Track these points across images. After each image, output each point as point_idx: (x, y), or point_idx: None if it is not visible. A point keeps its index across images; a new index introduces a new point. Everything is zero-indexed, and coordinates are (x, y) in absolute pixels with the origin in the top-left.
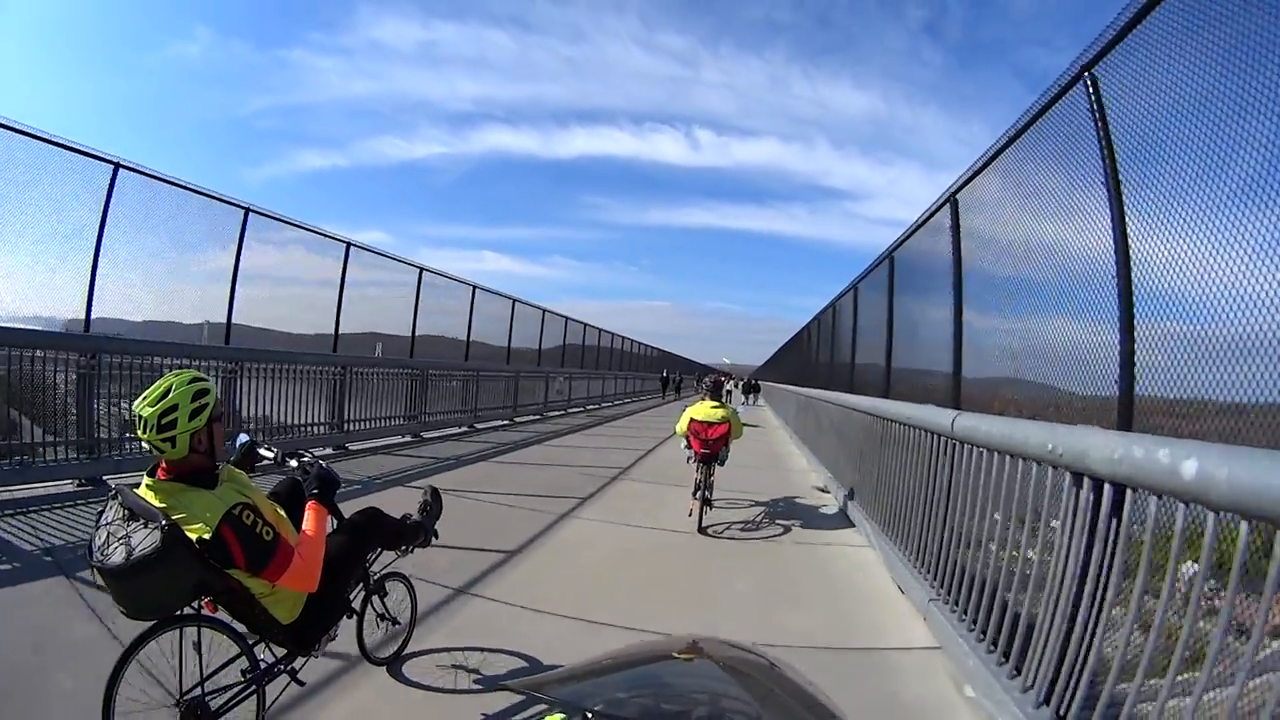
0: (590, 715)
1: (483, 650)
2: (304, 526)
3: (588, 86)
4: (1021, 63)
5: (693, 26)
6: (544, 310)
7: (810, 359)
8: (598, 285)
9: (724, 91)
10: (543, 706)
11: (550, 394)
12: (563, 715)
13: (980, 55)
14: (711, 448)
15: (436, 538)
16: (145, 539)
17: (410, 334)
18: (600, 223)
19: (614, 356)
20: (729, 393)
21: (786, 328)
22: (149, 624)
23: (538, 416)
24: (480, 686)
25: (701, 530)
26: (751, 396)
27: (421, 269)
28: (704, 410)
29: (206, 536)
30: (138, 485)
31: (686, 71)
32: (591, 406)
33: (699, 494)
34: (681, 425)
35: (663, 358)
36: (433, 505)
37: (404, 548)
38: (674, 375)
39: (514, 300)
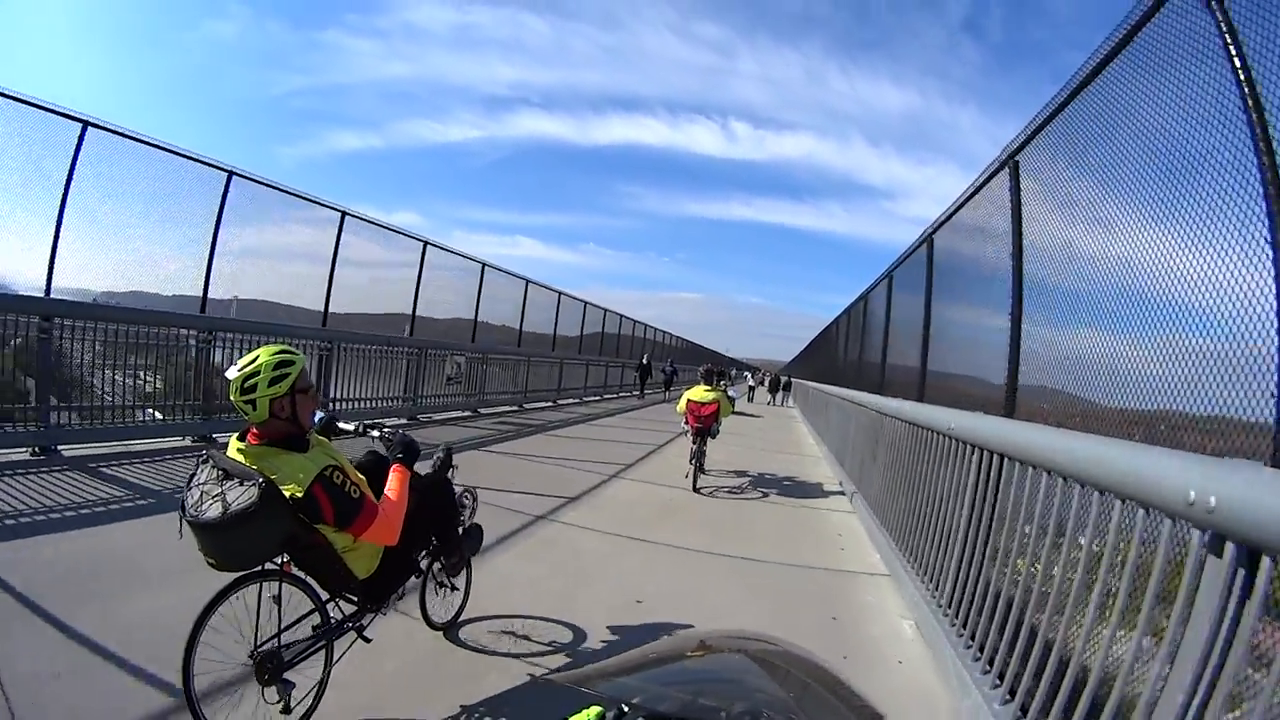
0: (627, 709)
1: (532, 618)
2: (388, 486)
3: (624, 74)
4: (1061, 67)
5: (729, 17)
6: (585, 302)
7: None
8: (630, 274)
9: (760, 84)
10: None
11: (588, 380)
12: (600, 709)
13: (1019, 56)
14: (704, 422)
15: (470, 560)
16: (242, 494)
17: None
18: (634, 211)
19: (646, 346)
20: (752, 389)
21: (821, 324)
22: (233, 577)
23: (578, 400)
24: (526, 652)
25: (695, 490)
26: (780, 395)
27: (420, 248)
28: (699, 393)
29: (300, 494)
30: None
31: (723, 62)
32: (623, 394)
33: (694, 461)
34: (681, 405)
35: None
36: (468, 501)
37: (444, 563)
38: (665, 365)
39: (560, 293)
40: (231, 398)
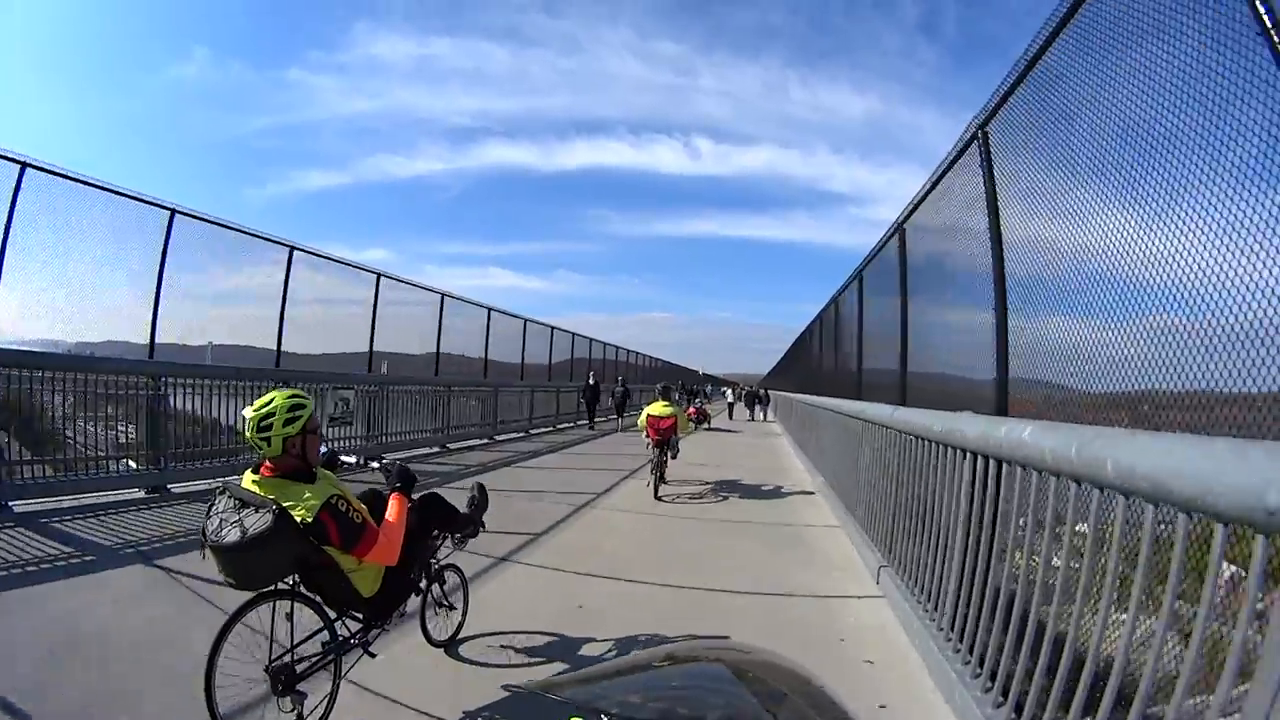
0: (606, 717)
1: (527, 632)
2: (388, 512)
3: (585, 98)
4: (1017, 56)
5: (687, 35)
6: (552, 328)
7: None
8: (602, 298)
9: (721, 99)
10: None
11: (559, 407)
12: (579, 718)
13: (975, 52)
14: (664, 434)
15: (484, 529)
16: (258, 520)
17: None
18: (603, 235)
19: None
20: (731, 405)
21: (793, 336)
22: (249, 596)
23: (551, 428)
24: (526, 661)
25: (657, 498)
26: (758, 409)
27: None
28: (657, 408)
29: (309, 520)
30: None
31: (683, 80)
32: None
33: (655, 471)
34: (642, 420)
35: (663, 369)
36: (480, 500)
37: (458, 538)
38: (615, 387)
39: (525, 320)
40: (247, 435)
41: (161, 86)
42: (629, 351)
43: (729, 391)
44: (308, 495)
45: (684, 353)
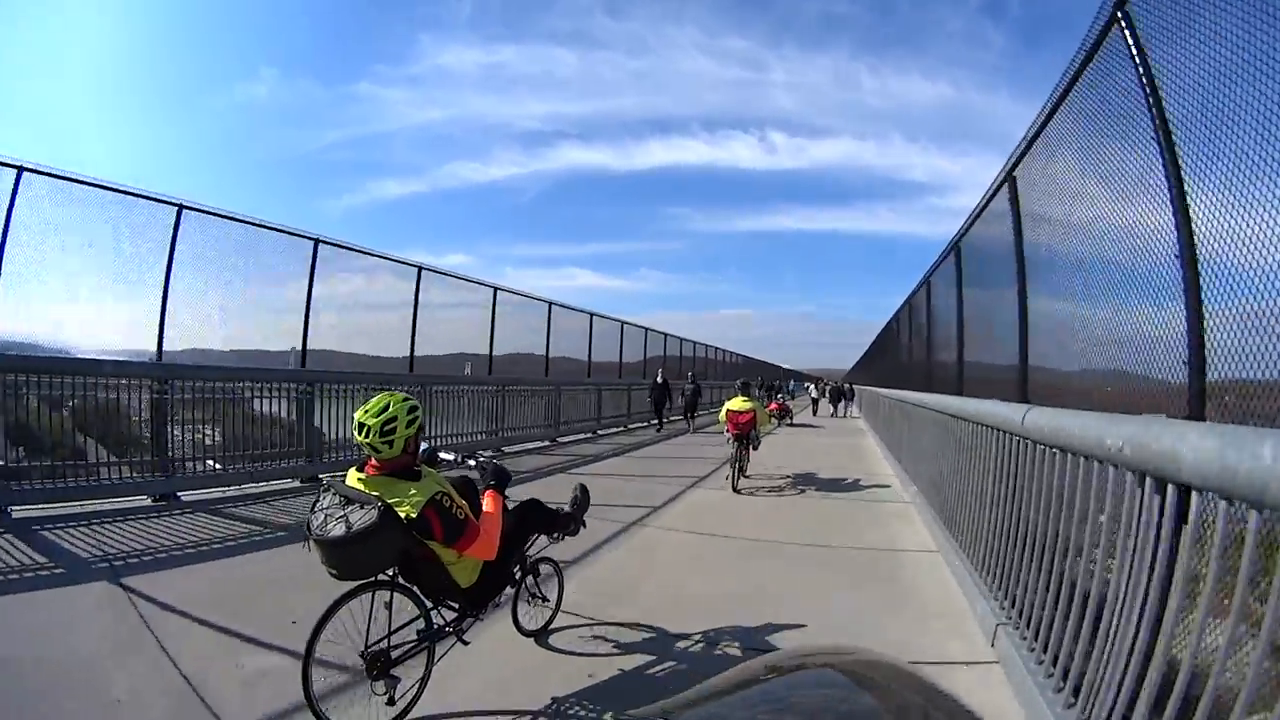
0: None
1: (619, 624)
2: (484, 508)
3: (657, 97)
4: (1085, 31)
5: (752, 30)
6: (623, 323)
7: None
8: (684, 295)
9: (792, 91)
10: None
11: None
12: None
13: (1041, 29)
14: (743, 429)
15: (585, 527)
16: (364, 516)
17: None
18: (684, 233)
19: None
20: (815, 400)
21: (876, 330)
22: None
23: (621, 428)
24: (610, 652)
25: (735, 490)
26: (842, 405)
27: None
28: (737, 403)
29: (414, 515)
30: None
31: (753, 75)
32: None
33: (735, 465)
34: (722, 415)
35: (742, 365)
36: (582, 500)
37: (556, 535)
38: (685, 384)
39: (591, 314)
40: (366, 438)
41: (230, 107)
42: (707, 347)
43: (812, 387)
44: (413, 492)
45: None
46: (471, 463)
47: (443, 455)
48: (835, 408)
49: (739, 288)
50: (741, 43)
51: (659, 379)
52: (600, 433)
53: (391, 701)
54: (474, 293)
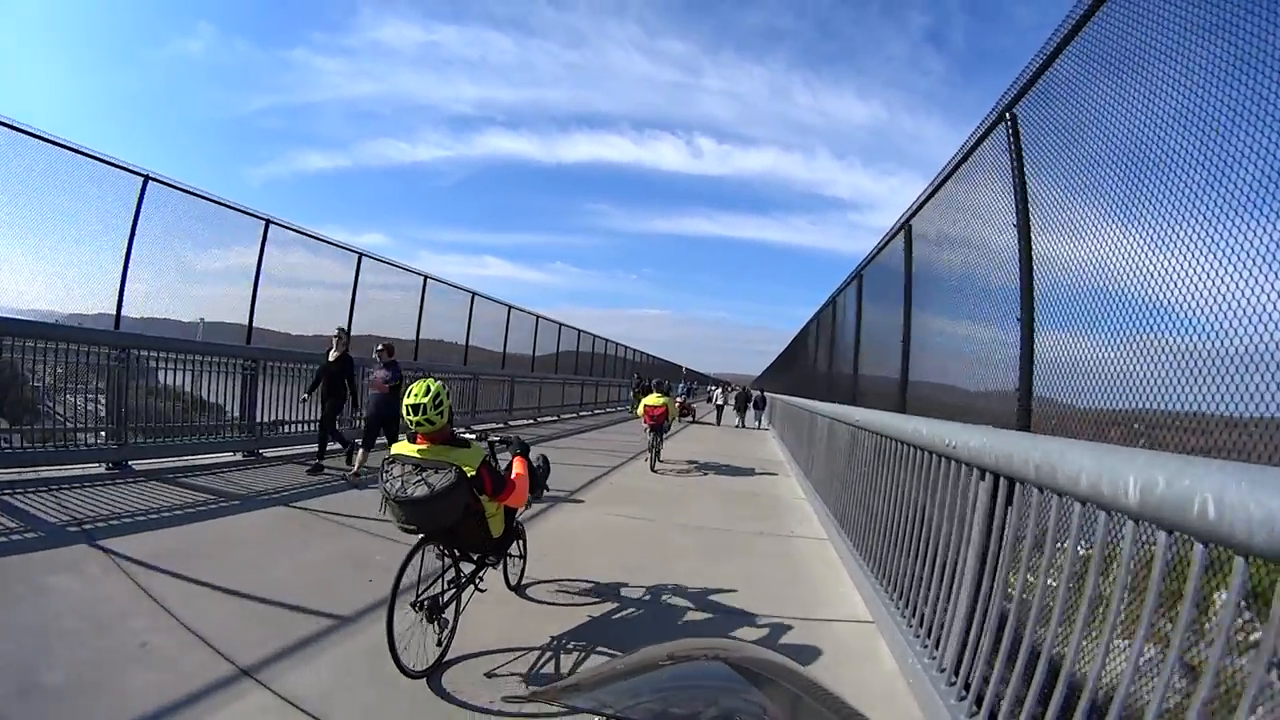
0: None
1: (575, 580)
2: (515, 469)
3: (589, 92)
4: (1019, 71)
5: (694, 34)
6: (538, 317)
7: None
8: (598, 292)
9: (725, 99)
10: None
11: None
12: None
13: (983, 64)
14: (657, 420)
15: (548, 490)
16: (443, 477)
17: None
18: (601, 229)
19: (612, 363)
20: (720, 408)
21: (788, 339)
22: (415, 542)
23: (555, 418)
24: (586, 600)
25: (653, 470)
26: (754, 413)
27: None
28: (652, 399)
29: (472, 474)
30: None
31: (688, 78)
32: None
33: (651, 451)
34: (639, 409)
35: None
36: (544, 469)
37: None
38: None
39: (510, 307)
40: (422, 415)
41: (166, 61)
42: (619, 345)
43: (717, 392)
44: (470, 456)
45: (676, 350)
46: (497, 439)
47: (464, 434)
48: (741, 417)
49: (654, 288)
50: (681, 45)
51: (641, 380)
52: (511, 424)
53: (439, 642)
54: (403, 277)
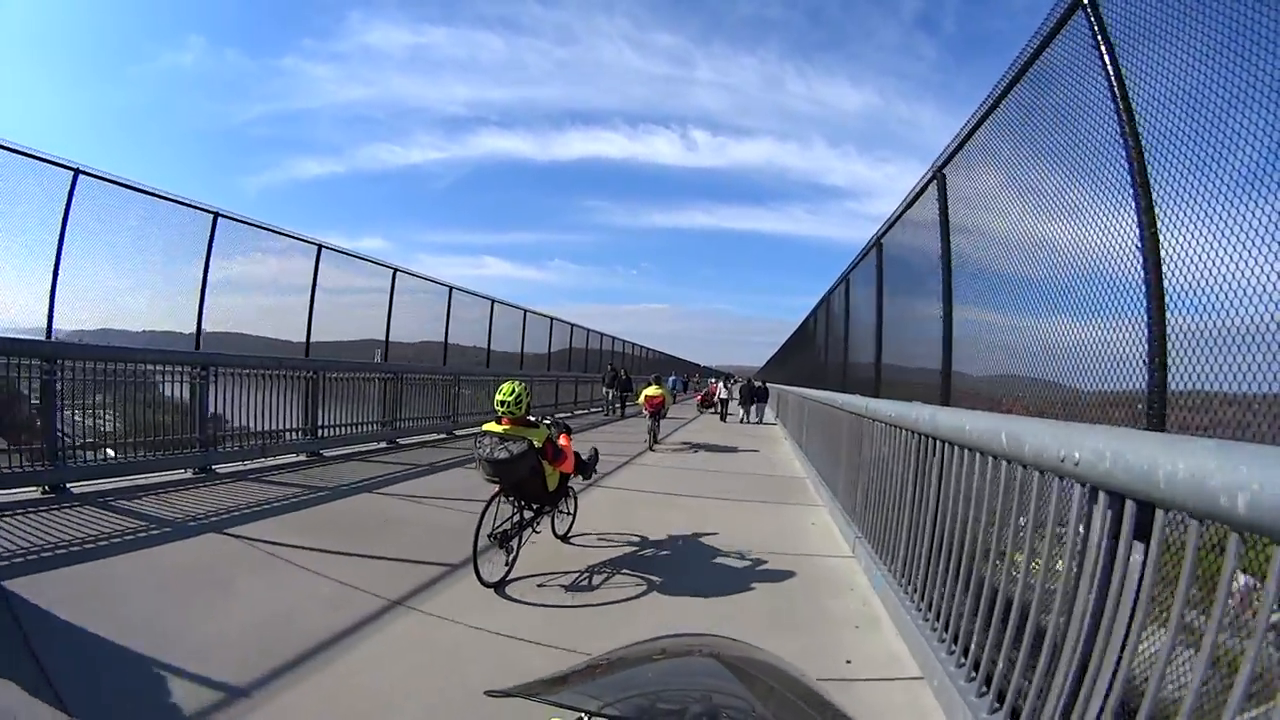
0: (586, 717)
1: (616, 533)
2: (562, 444)
3: (581, 89)
4: (1017, 56)
5: (684, 26)
6: (552, 318)
7: None
8: (597, 289)
9: (718, 91)
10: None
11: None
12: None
13: (975, 48)
14: (655, 408)
15: (596, 472)
16: (517, 446)
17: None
18: (599, 226)
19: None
20: (724, 400)
21: (790, 330)
22: (492, 492)
23: (569, 415)
24: (613, 546)
25: (651, 449)
26: (756, 407)
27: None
28: (651, 390)
29: (539, 445)
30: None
31: (680, 71)
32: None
33: (650, 434)
34: (640, 399)
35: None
36: (593, 457)
37: (580, 477)
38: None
39: (525, 310)
40: (504, 409)
41: (157, 75)
42: (623, 341)
43: (721, 385)
44: (538, 433)
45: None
46: (547, 421)
47: (530, 418)
48: (746, 412)
49: (654, 283)
50: (671, 38)
51: (615, 370)
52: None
53: (507, 564)
54: (384, 278)
